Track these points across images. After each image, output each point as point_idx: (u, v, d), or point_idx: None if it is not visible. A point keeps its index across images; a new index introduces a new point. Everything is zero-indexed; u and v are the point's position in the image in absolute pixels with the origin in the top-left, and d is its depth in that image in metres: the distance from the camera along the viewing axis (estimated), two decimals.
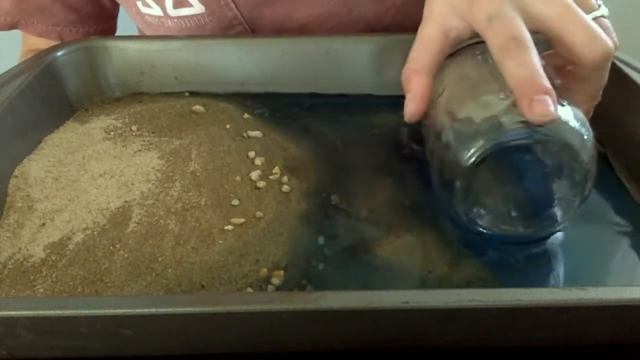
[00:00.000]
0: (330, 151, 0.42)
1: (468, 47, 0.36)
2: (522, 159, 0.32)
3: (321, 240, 0.34)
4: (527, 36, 0.31)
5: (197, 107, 0.45)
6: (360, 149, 0.42)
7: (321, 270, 0.32)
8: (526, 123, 0.29)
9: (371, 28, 0.53)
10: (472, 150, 0.30)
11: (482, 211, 0.32)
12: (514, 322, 0.26)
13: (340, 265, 0.32)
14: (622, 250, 0.34)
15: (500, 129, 0.30)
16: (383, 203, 0.37)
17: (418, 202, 0.37)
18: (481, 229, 0.33)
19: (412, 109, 0.35)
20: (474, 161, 0.30)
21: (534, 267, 0.33)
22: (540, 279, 0.32)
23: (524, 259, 0.33)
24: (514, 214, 0.33)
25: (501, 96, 0.31)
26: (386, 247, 0.33)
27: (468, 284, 0.31)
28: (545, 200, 0.32)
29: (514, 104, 0.30)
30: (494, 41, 0.32)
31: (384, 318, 0.26)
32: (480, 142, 0.30)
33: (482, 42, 0.33)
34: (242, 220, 0.35)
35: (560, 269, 0.33)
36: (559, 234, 0.34)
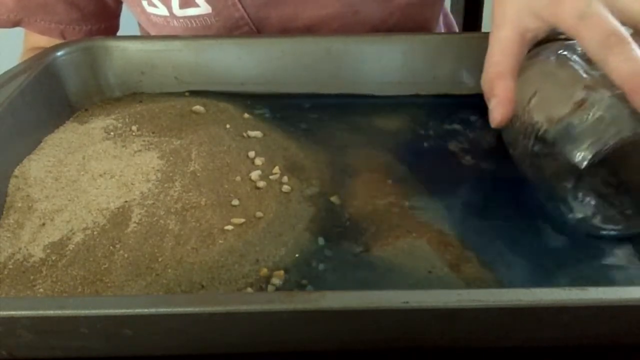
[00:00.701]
0: (330, 151, 0.42)
1: (541, 46, 0.36)
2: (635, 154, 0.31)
3: (321, 240, 0.34)
4: (624, 30, 0.31)
5: (197, 107, 0.45)
6: (361, 149, 0.42)
7: (321, 270, 0.32)
8: (632, 119, 0.29)
9: (376, 29, 0.53)
10: (583, 152, 0.30)
11: (596, 210, 0.32)
12: (514, 322, 0.26)
13: (340, 265, 0.32)
14: (622, 250, 0.34)
15: (612, 125, 0.30)
16: (383, 203, 0.37)
17: (418, 202, 0.37)
18: (594, 230, 0.33)
19: (501, 113, 0.34)
20: (587, 163, 0.30)
21: (534, 267, 0.33)
22: (540, 279, 0.32)
23: (524, 258, 0.33)
24: (626, 210, 0.33)
25: (606, 94, 0.31)
26: (386, 247, 0.33)
27: (468, 284, 0.31)
28: None
29: (620, 99, 0.30)
30: (591, 39, 0.31)
31: (384, 318, 0.26)
32: (589, 142, 0.30)
33: (555, 40, 0.33)
34: (242, 220, 0.35)
35: (559, 270, 0.33)
36: (559, 233, 0.34)
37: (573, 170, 0.31)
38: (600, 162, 0.30)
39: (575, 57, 0.33)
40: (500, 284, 0.32)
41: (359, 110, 0.46)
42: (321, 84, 0.47)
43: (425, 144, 0.42)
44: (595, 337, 0.28)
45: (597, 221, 0.33)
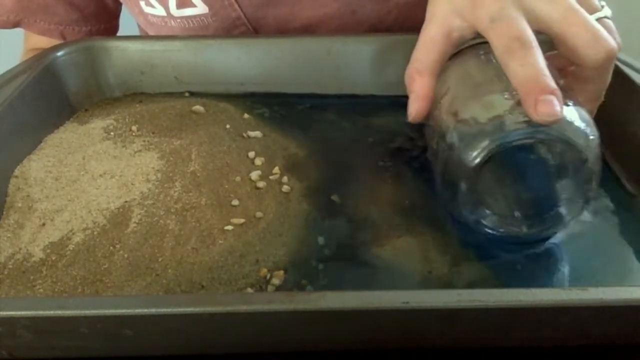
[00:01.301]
0: (330, 151, 0.42)
1: (471, 47, 0.36)
2: (527, 158, 0.32)
3: (321, 240, 0.34)
4: (531, 36, 0.31)
5: (197, 107, 0.45)
6: (361, 149, 0.42)
7: (321, 270, 0.32)
8: (531, 123, 0.29)
9: (374, 29, 0.53)
10: (477, 151, 0.30)
11: (487, 211, 0.32)
12: (514, 322, 0.26)
13: (340, 265, 0.32)
14: (622, 250, 0.34)
15: (504, 129, 0.30)
16: (383, 203, 0.37)
17: (418, 202, 0.37)
18: (486, 230, 0.33)
19: (415, 109, 0.35)
20: (479, 161, 0.30)
21: (534, 267, 0.33)
22: (541, 279, 0.32)
23: (524, 259, 0.33)
24: (518, 214, 0.33)
25: (505, 96, 0.31)
26: (386, 247, 0.33)
27: (468, 284, 0.31)
28: (549, 200, 0.32)
29: (519, 104, 0.30)
30: (497, 42, 0.32)
31: (384, 318, 0.26)
32: (485, 142, 0.30)
33: (485, 42, 0.33)
34: (242, 220, 0.35)
35: (559, 269, 0.33)
36: (559, 234, 0.34)
37: (466, 170, 0.31)
38: (493, 164, 0.30)
39: (494, 60, 0.33)
40: (500, 284, 0.32)
41: (359, 110, 0.46)
42: (321, 84, 0.47)
43: (425, 144, 0.42)
44: (595, 337, 0.28)
45: (490, 223, 0.33)
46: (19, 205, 0.36)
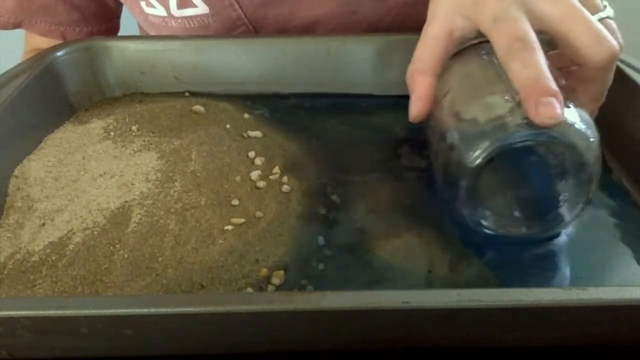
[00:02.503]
0: (330, 151, 0.42)
1: (473, 46, 0.36)
2: (527, 160, 0.32)
3: (321, 240, 0.34)
4: (533, 37, 0.31)
5: (197, 107, 0.45)
6: (361, 149, 0.42)
7: (321, 270, 0.32)
8: (532, 124, 0.29)
9: (373, 28, 0.53)
10: (477, 152, 0.30)
11: (487, 212, 0.32)
12: (514, 322, 0.26)
13: (340, 265, 0.32)
14: (622, 250, 0.34)
15: (505, 130, 0.30)
16: (383, 203, 0.37)
17: (418, 202, 0.37)
18: (485, 230, 0.33)
19: (416, 109, 0.35)
20: (480, 162, 0.30)
21: (534, 267, 0.33)
22: (540, 279, 0.32)
23: (524, 259, 0.33)
24: (518, 214, 0.33)
25: (507, 97, 0.31)
26: (386, 247, 0.33)
27: (468, 284, 0.31)
28: (549, 201, 0.32)
29: (520, 105, 0.30)
30: (499, 42, 0.32)
31: (384, 318, 0.26)
32: (486, 143, 0.30)
33: (487, 41, 0.33)
34: (242, 220, 0.35)
35: (559, 269, 0.33)
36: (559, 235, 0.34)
37: (466, 170, 0.31)
38: (493, 165, 0.30)
39: (495, 60, 0.33)
40: (500, 284, 0.32)
41: (359, 110, 0.46)
42: (321, 84, 0.47)
43: (425, 144, 0.42)
44: (595, 337, 0.28)
45: (490, 224, 0.33)
46: (19, 205, 0.36)
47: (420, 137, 0.39)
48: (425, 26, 0.36)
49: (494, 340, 0.28)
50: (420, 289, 0.31)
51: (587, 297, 0.26)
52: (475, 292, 0.26)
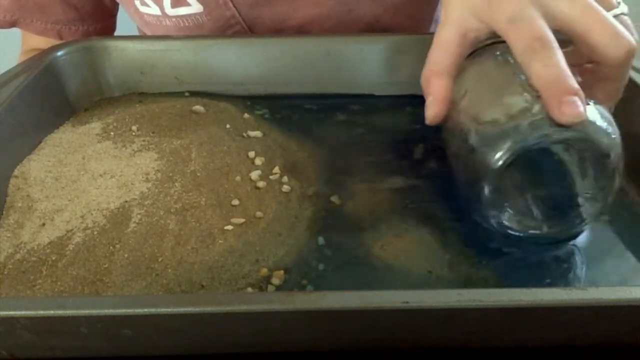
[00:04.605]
0: (330, 151, 0.42)
1: (486, 47, 0.36)
2: (549, 159, 0.31)
3: (321, 240, 0.34)
4: (551, 36, 0.31)
5: (197, 107, 0.45)
6: (361, 149, 0.42)
7: (321, 270, 0.32)
8: (553, 123, 0.29)
9: (370, 27, 0.53)
10: (500, 153, 0.30)
11: (510, 212, 0.32)
12: (514, 322, 0.26)
13: (340, 265, 0.32)
14: (622, 250, 0.34)
15: (527, 130, 0.30)
16: (383, 203, 0.37)
17: (418, 202, 0.37)
18: (509, 231, 0.33)
19: (433, 111, 0.35)
20: (503, 163, 0.30)
21: (535, 267, 0.33)
22: (541, 279, 0.32)
23: (524, 259, 0.33)
24: (540, 214, 0.33)
25: (526, 97, 0.31)
26: (386, 247, 0.33)
27: (468, 284, 0.31)
28: (572, 200, 0.32)
29: (540, 104, 0.30)
30: (517, 43, 0.31)
31: (384, 318, 0.26)
32: (508, 144, 0.30)
33: (500, 41, 0.33)
34: (242, 220, 0.35)
35: (559, 269, 0.33)
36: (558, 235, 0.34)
37: (489, 172, 0.31)
38: (515, 166, 0.30)
39: (511, 60, 0.32)
40: (501, 284, 0.32)
41: (359, 110, 0.46)
42: (321, 84, 0.47)
43: (425, 144, 0.42)
44: (595, 337, 0.28)
45: (513, 224, 0.33)
46: (19, 205, 0.36)
47: (419, 137, 0.39)
48: (438, 28, 0.36)
49: (494, 340, 0.28)
50: (420, 289, 0.31)
51: (587, 297, 0.26)
52: (475, 292, 0.26)
